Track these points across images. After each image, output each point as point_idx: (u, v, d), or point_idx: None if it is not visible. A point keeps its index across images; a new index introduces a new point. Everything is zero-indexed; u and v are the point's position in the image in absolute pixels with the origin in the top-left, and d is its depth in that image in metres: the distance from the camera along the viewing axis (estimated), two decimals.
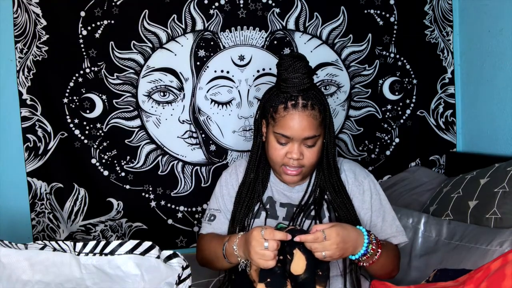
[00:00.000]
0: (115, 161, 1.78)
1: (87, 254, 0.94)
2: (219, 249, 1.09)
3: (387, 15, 1.89)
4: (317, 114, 1.08)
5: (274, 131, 1.10)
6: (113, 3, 1.74)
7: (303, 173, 1.14)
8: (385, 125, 1.94)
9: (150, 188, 1.81)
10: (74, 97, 1.74)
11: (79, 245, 0.94)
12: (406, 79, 1.93)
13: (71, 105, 1.75)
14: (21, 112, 1.71)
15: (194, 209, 1.84)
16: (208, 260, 1.16)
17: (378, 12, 1.88)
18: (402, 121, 1.94)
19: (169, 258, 0.90)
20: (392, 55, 1.91)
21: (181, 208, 1.83)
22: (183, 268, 0.88)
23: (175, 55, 1.79)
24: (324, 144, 1.14)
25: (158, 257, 0.92)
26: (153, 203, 1.82)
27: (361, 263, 1.03)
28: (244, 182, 1.20)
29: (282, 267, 0.95)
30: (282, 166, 1.12)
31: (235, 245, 1.03)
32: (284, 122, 1.07)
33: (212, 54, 1.81)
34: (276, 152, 1.11)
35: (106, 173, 1.78)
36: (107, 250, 0.93)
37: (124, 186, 1.80)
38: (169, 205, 1.82)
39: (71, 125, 1.75)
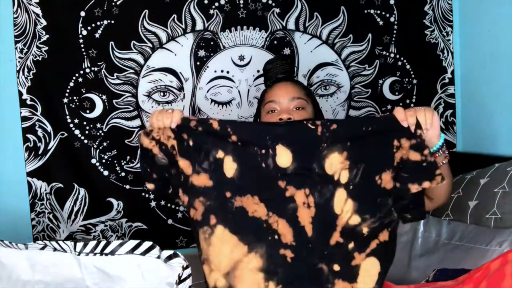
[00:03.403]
0: (115, 161, 1.78)
1: (87, 254, 0.94)
2: None
3: (387, 15, 1.89)
4: (300, 86, 1.20)
5: (264, 106, 1.19)
6: (113, 3, 1.74)
7: None
8: None
9: None
10: (74, 97, 1.74)
11: (79, 245, 0.94)
12: (406, 79, 1.93)
13: (71, 105, 1.75)
14: (21, 112, 1.71)
15: None
16: None
17: (378, 12, 1.88)
18: None
19: (169, 258, 0.91)
20: (392, 55, 1.91)
21: (181, 208, 1.83)
22: (183, 268, 0.88)
23: (175, 55, 1.79)
24: (316, 114, 1.20)
25: (159, 257, 0.92)
26: (153, 203, 1.82)
27: (441, 157, 0.98)
28: None
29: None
30: None
31: None
32: (270, 93, 1.19)
33: (212, 54, 1.81)
34: (268, 121, 1.17)
35: (106, 173, 1.78)
36: (107, 250, 0.93)
37: (124, 186, 1.80)
38: (169, 205, 1.82)
39: (71, 125, 1.75)
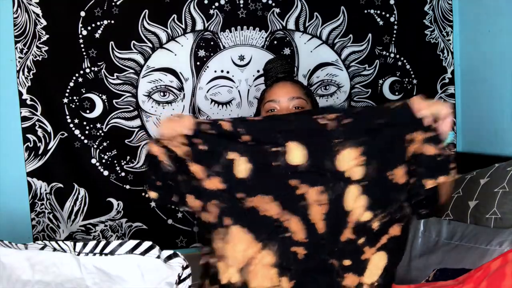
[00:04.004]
0: (115, 161, 1.78)
1: (87, 254, 0.94)
2: None
3: (387, 15, 1.89)
4: (300, 86, 1.20)
5: (263, 105, 1.19)
6: (113, 3, 1.74)
7: None
8: None
9: None
10: (74, 97, 1.74)
11: (79, 245, 0.94)
12: (406, 79, 1.93)
13: (71, 105, 1.75)
14: (21, 112, 1.71)
15: None
16: None
17: (378, 12, 1.88)
18: None
19: (169, 258, 0.91)
20: (392, 55, 1.91)
21: (181, 208, 1.83)
22: (183, 268, 0.88)
23: (175, 55, 1.79)
24: None
25: (158, 257, 0.92)
26: (153, 203, 1.82)
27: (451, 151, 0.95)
28: None
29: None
30: None
31: None
32: (270, 92, 1.19)
33: (212, 54, 1.81)
34: None
35: (106, 173, 1.78)
36: (107, 250, 0.94)
37: (124, 186, 1.80)
38: (169, 205, 1.82)
39: (71, 125, 1.75)
